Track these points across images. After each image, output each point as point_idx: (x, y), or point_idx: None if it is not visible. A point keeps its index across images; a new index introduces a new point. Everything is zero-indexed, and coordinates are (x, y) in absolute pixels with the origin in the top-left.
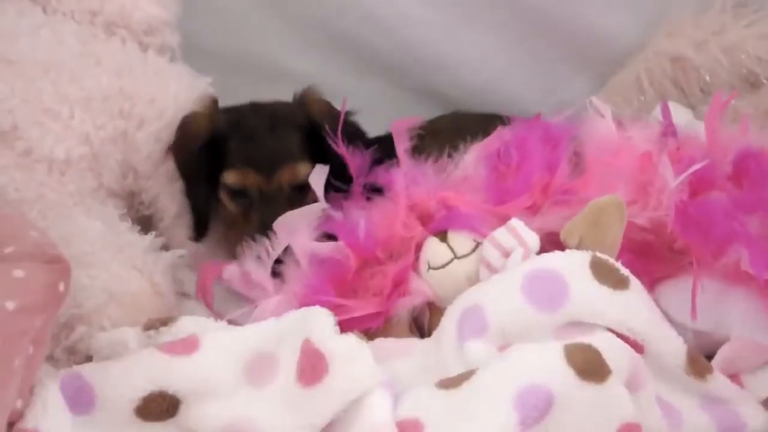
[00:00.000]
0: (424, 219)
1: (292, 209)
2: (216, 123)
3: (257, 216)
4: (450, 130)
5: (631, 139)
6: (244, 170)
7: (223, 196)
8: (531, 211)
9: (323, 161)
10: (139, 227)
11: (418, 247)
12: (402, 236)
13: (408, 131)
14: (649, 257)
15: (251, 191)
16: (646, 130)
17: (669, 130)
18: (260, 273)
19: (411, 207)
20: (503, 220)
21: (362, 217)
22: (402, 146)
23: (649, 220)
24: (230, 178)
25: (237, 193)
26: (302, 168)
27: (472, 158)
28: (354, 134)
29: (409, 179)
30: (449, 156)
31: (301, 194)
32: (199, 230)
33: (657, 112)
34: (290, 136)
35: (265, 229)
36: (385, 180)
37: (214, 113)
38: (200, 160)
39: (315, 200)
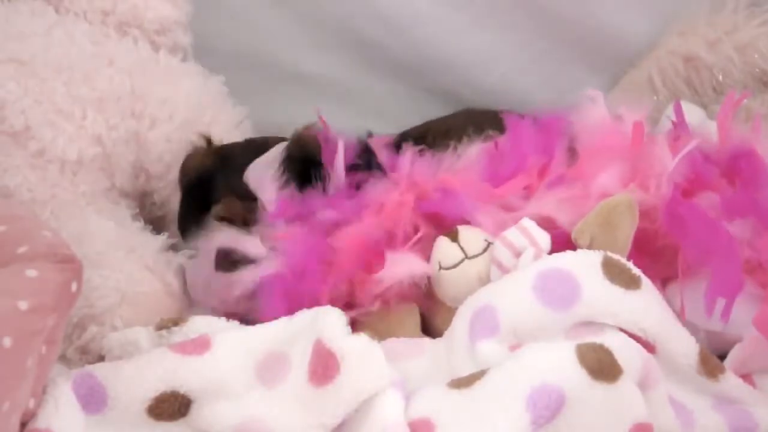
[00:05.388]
0: (421, 199)
1: None
2: (207, 160)
3: None
4: (461, 127)
5: (623, 122)
6: (228, 201)
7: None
8: (526, 194)
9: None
10: (151, 227)
11: (411, 230)
12: (396, 212)
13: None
14: (640, 249)
15: (236, 222)
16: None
17: (682, 128)
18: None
19: (409, 186)
20: (499, 200)
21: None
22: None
23: (646, 204)
24: (216, 210)
25: (225, 223)
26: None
27: (475, 151)
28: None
29: (413, 165)
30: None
31: None
32: None
33: (669, 111)
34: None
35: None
36: (389, 162)
37: (207, 150)
38: (192, 197)
39: None
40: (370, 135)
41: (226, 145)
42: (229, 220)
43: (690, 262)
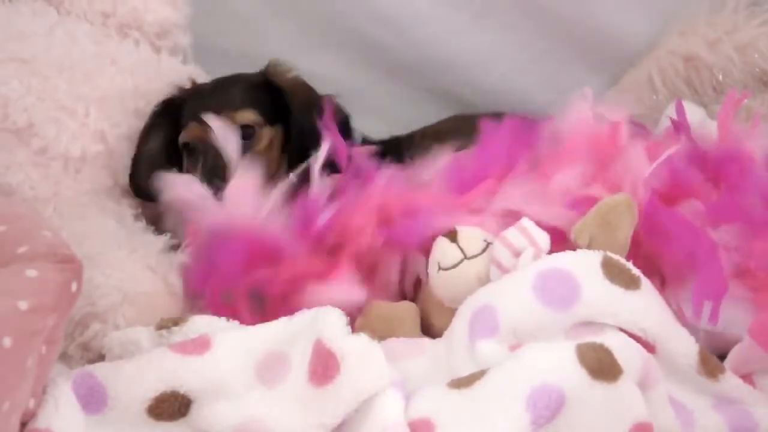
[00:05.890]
0: (385, 220)
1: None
2: (176, 91)
3: (202, 166)
4: (452, 132)
5: (600, 121)
6: (192, 126)
7: (185, 161)
8: (490, 195)
9: (285, 120)
10: (153, 227)
11: (369, 250)
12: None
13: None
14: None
15: (197, 145)
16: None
17: (683, 128)
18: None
19: (379, 207)
20: (464, 208)
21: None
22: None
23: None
24: (182, 137)
25: (192, 152)
26: (243, 114)
27: (443, 160)
28: (342, 121)
29: (389, 181)
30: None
31: (247, 142)
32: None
33: (670, 110)
34: (234, 91)
35: (210, 176)
36: (365, 176)
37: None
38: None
39: (266, 152)
40: (365, 140)
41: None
42: (192, 146)
43: (674, 268)
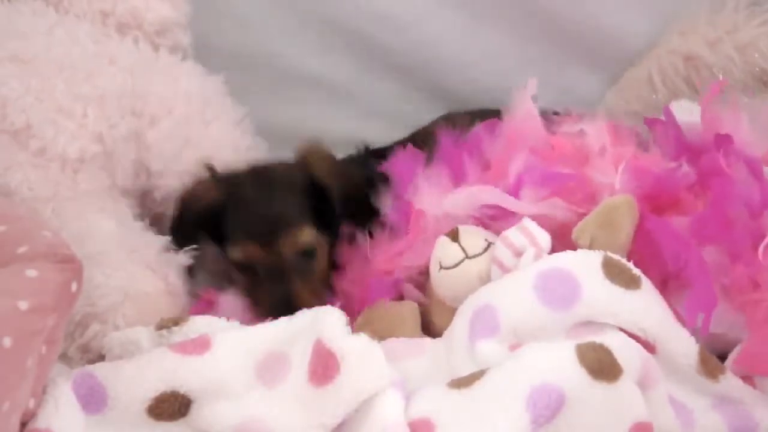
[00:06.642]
0: None
1: (301, 280)
2: (213, 195)
3: (266, 296)
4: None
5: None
6: (245, 244)
7: (232, 270)
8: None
9: (331, 220)
10: (154, 228)
11: None
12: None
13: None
14: None
15: (256, 266)
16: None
17: (674, 132)
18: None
19: None
20: None
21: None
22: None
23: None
24: (234, 253)
25: (244, 267)
26: (304, 234)
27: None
28: (361, 202)
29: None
30: None
31: (309, 261)
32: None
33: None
34: (289, 201)
35: (276, 309)
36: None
37: (211, 185)
38: (201, 234)
39: (323, 267)
40: (366, 148)
41: (231, 175)
42: (246, 263)
43: (665, 277)
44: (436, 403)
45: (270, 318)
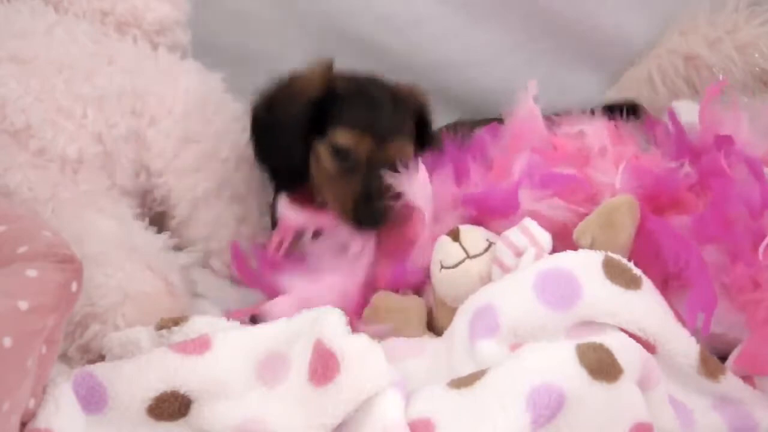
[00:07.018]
0: None
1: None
2: (333, 83)
3: (361, 181)
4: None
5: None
6: (360, 133)
7: (322, 152)
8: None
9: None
10: (155, 228)
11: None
12: None
13: None
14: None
15: (359, 155)
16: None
17: (678, 133)
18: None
19: None
20: None
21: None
22: None
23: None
24: (342, 137)
25: (340, 153)
26: (410, 148)
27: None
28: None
29: None
30: None
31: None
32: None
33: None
34: (406, 116)
35: (367, 196)
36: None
37: (330, 73)
38: (305, 117)
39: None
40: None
41: (344, 73)
42: (347, 151)
43: (666, 277)
44: (436, 402)
45: (349, 217)
